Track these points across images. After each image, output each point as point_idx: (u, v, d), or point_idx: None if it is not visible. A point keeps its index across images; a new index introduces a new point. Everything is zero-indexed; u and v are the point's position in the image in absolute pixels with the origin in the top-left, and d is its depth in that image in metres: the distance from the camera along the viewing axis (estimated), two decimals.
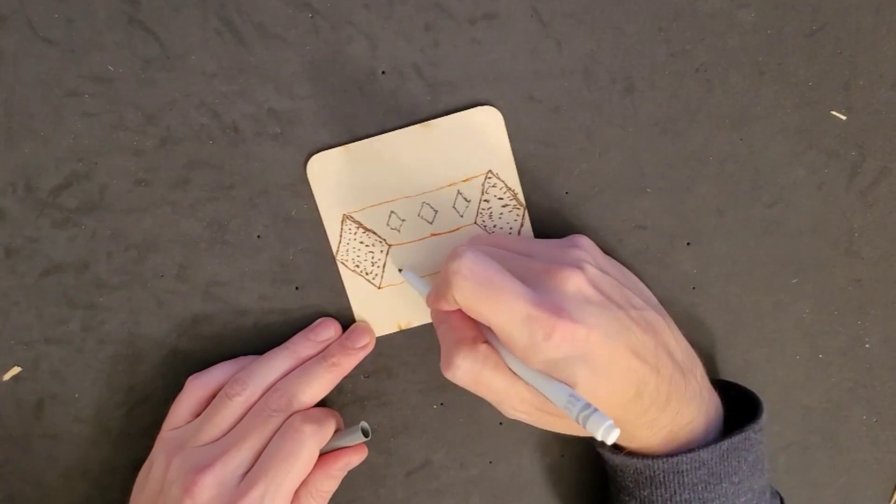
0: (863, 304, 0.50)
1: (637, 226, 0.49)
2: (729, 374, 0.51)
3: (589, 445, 0.51)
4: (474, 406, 0.51)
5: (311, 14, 0.45)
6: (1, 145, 0.46)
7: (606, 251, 0.48)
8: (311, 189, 0.47)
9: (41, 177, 0.46)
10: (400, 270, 0.48)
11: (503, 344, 0.38)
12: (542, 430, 0.51)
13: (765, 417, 0.45)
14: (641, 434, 0.42)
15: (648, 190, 0.48)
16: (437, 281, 0.40)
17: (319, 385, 0.46)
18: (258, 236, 0.48)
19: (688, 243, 0.49)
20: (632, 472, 0.44)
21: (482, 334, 0.41)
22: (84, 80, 0.45)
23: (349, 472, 0.47)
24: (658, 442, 0.43)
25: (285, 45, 0.45)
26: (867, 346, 0.51)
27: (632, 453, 0.44)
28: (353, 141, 0.46)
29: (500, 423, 0.51)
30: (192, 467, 0.42)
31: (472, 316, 0.39)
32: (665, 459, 0.43)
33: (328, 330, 0.48)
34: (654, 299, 0.47)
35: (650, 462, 0.43)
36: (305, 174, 0.47)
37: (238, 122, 0.46)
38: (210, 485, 0.42)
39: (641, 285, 0.47)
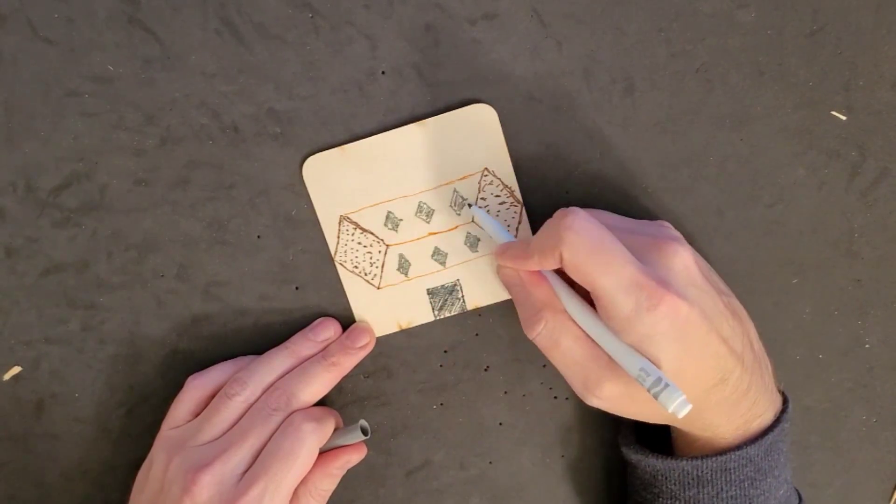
0: (863, 305, 0.50)
1: None
2: None
3: (590, 446, 0.51)
4: (474, 406, 0.51)
5: (311, 14, 0.45)
6: (1, 145, 0.46)
7: None
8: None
9: (41, 176, 0.46)
10: (469, 206, 0.47)
11: (604, 309, 0.38)
12: (543, 430, 0.51)
13: (791, 406, 0.45)
14: (718, 421, 0.42)
15: (649, 190, 0.48)
16: (539, 237, 0.39)
17: (319, 384, 0.46)
18: (258, 236, 0.48)
19: None
20: (678, 474, 0.44)
21: (555, 295, 0.41)
22: (84, 80, 0.45)
23: (349, 471, 0.47)
24: (731, 431, 0.43)
25: (285, 45, 0.45)
26: (867, 346, 0.51)
27: (678, 456, 0.44)
28: (354, 141, 0.46)
29: (500, 424, 0.51)
30: (191, 466, 0.42)
31: (576, 277, 0.38)
32: (714, 458, 0.42)
33: (328, 329, 0.48)
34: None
35: (698, 462, 0.43)
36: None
37: (238, 122, 0.46)
38: (209, 484, 0.42)
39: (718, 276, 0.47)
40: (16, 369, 0.48)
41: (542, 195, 0.48)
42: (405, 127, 0.46)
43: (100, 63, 0.45)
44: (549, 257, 0.39)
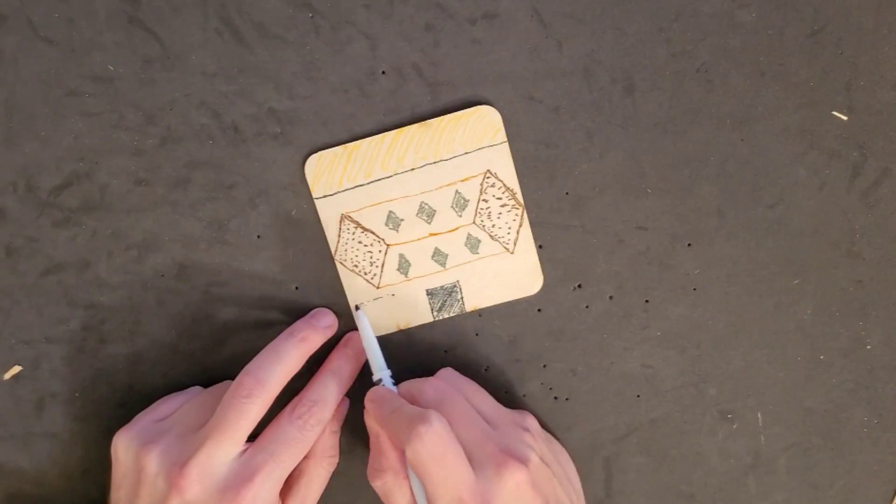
0: (864, 306, 0.50)
1: (638, 226, 0.49)
2: (730, 376, 0.51)
3: (590, 446, 0.51)
4: None
5: (311, 14, 0.45)
6: (1, 145, 0.46)
7: (607, 252, 0.49)
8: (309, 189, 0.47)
9: (42, 176, 0.46)
10: (357, 308, 0.48)
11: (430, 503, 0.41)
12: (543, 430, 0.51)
13: None
14: None
15: (649, 190, 0.48)
16: (396, 421, 0.42)
17: (290, 362, 0.45)
18: (258, 236, 0.48)
19: (689, 244, 0.49)
20: None
21: (403, 464, 0.43)
22: (84, 80, 0.45)
23: (349, 472, 0.47)
24: None
25: (285, 45, 0.45)
26: (868, 347, 0.51)
27: None
28: (353, 140, 0.46)
29: None
30: (177, 459, 0.42)
31: (413, 472, 0.42)
32: None
33: (327, 316, 0.48)
34: (578, 483, 0.49)
35: None
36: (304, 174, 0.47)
37: (238, 122, 0.46)
38: (200, 476, 0.42)
39: (572, 470, 0.49)
40: (16, 368, 0.49)
41: (542, 195, 0.48)
42: (408, 127, 0.46)
43: (100, 63, 0.45)
44: (397, 444, 0.42)
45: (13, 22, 0.45)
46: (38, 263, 0.47)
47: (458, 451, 0.41)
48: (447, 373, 0.48)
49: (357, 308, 0.48)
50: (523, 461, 0.42)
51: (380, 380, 0.46)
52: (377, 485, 0.44)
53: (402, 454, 0.43)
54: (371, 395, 0.45)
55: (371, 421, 0.45)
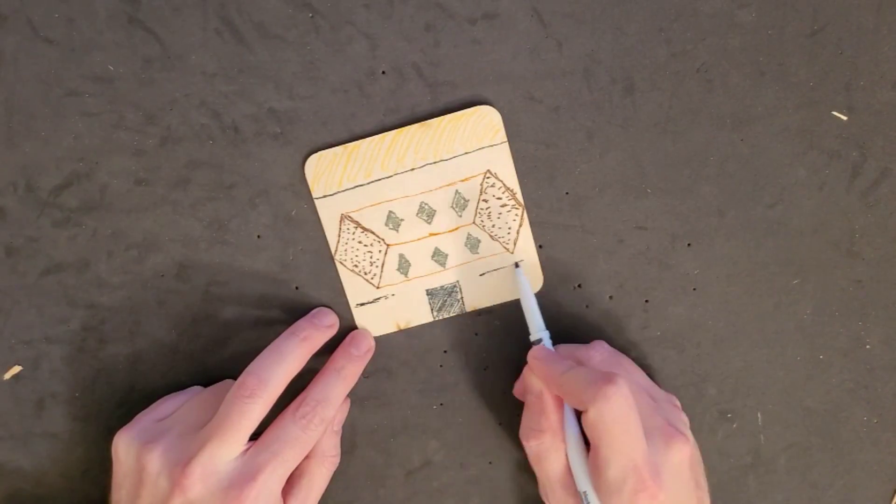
0: (864, 305, 0.50)
1: (638, 226, 0.49)
2: (729, 375, 0.51)
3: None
4: (474, 406, 0.51)
5: (311, 14, 0.45)
6: (1, 145, 0.46)
7: (607, 252, 0.49)
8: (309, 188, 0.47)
9: (42, 176, 0.46)
10: (517, 266, 0.48)
11: (596, 467, 0.41)
12: None
13: None
14: None
15: (649, 190, 0.48)
16: (576, 379, 0.42)
17: (293, 362, 0.45)
18: (258, 236, 0.48)
19: (688, 244, 0.49)
20: None
21: (562, 425, 0.44)
22: (84, 80, 0.45)
23: (349, 471, 0.47)
24: None
25: (285, 45, 0.45)
26: (868, 346, 0.51)
27: None
28: (353, 140, 0.46)
29: (500, 424, 0.51)
30: (179, 458, 0.42)
31: (587, 430, 0.41)
32: None
33: (328, 316, 0.48)
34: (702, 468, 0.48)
35: None
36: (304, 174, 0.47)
37: (238, 122, 0.46)
38: (203, 475, 0.41)
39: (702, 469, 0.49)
40: (16, 369, 0.49)
41: (542, 195, 0.48)
42: (408, 127, 0.46)
43: (100, 63, 0.45)
44: (575, 402, 0.42)
45: (13, 22, 0.45)
46: (38, 263, 0.47)
47: (637, 418, 0.41)
48: (601, 345, 0.48)
49: (517, 266, 0.48)
50: (686, 438, 0.43)
51: (539, 339, 0.46)
52: (532, 444, 0.44)
53: (562, 416, 0.43)
54: (536, 352, 0.45)
55: (534, 379, 0.45)
